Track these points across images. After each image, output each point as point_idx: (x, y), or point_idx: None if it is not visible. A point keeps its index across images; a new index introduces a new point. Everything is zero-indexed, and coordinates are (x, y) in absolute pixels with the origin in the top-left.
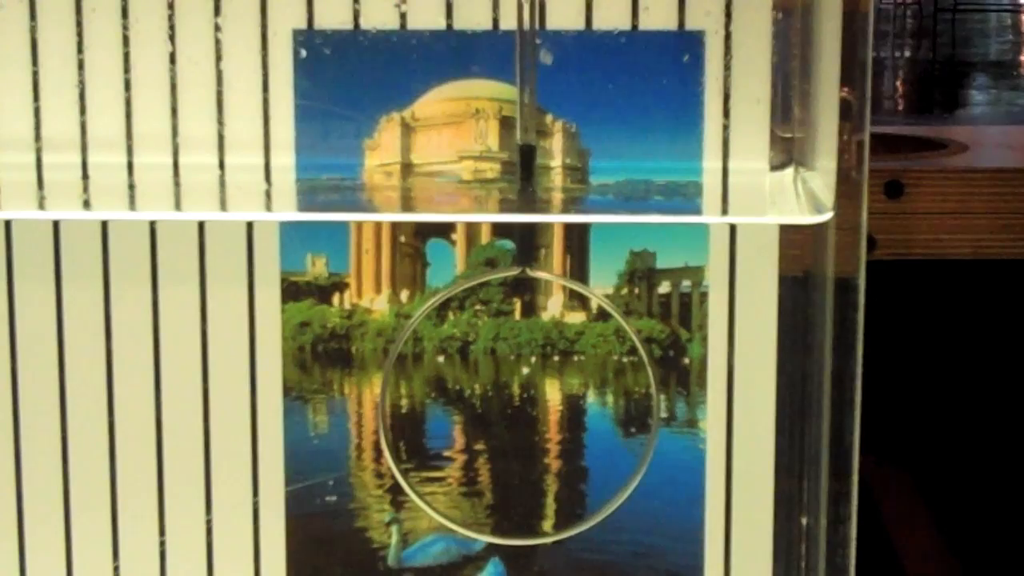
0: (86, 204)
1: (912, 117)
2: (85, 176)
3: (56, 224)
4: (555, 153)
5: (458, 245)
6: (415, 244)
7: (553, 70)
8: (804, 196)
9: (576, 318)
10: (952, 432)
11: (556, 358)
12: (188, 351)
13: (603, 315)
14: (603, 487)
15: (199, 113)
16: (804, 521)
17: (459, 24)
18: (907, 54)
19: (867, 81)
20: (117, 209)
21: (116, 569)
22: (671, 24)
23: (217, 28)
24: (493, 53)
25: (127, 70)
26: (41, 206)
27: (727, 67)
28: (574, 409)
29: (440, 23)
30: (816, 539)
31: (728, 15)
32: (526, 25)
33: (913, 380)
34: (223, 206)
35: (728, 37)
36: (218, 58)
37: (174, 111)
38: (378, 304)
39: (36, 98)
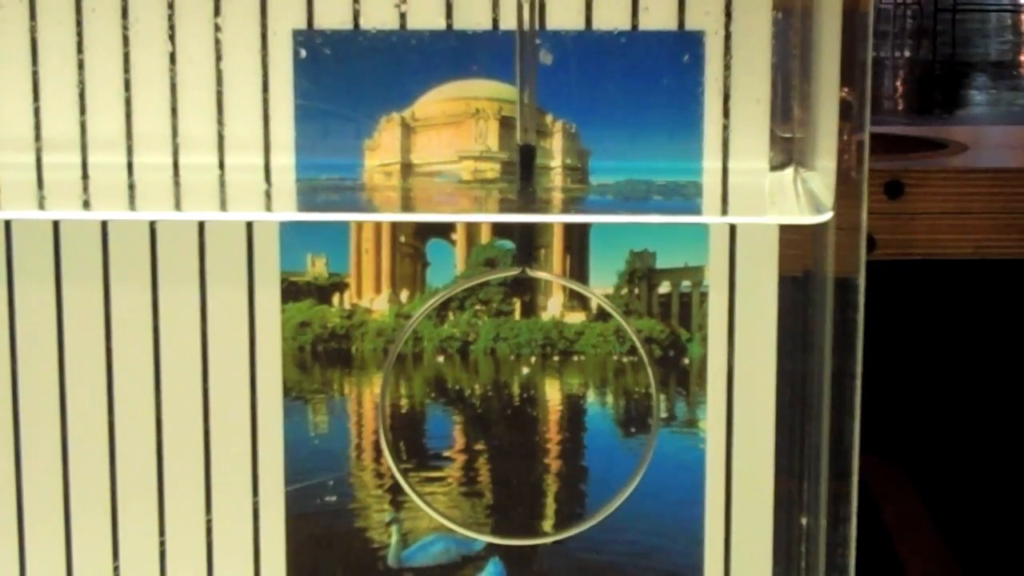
0: (86, 204)
1: (912, 117)
2: (85, 176)
3: (56, 224)
4: (555, 153)
5: (458, 245)
6: (415, 244)
7: (553, 70)
8: (804, 196)
9: (576, 318)
10: (952, 432)
11: (556, 358)
12: (188, 351)
13: (603, 315)
14: (603, 487)
15: (199, 113)
16: (804, 521)
17: (459, 24)
18: (907, 54)
19: (867, 81)
20: (117, 209)
21: (116, 569)
22: (671, 24)
23: (217, 28)
24: (493, 53)
25: (127, 70)
26: (41, 206)
27: (727, 67)
28: (574, 409)
29: (440, 23)
30: (816, 539)
31: (728, 15)
32: (526, 25)
33: (913, 380)
34: (223, 206)
35: (728, 37)
36: (218, 58)
37: (174, 111)
38: (378, 304)
39: (36, 98)
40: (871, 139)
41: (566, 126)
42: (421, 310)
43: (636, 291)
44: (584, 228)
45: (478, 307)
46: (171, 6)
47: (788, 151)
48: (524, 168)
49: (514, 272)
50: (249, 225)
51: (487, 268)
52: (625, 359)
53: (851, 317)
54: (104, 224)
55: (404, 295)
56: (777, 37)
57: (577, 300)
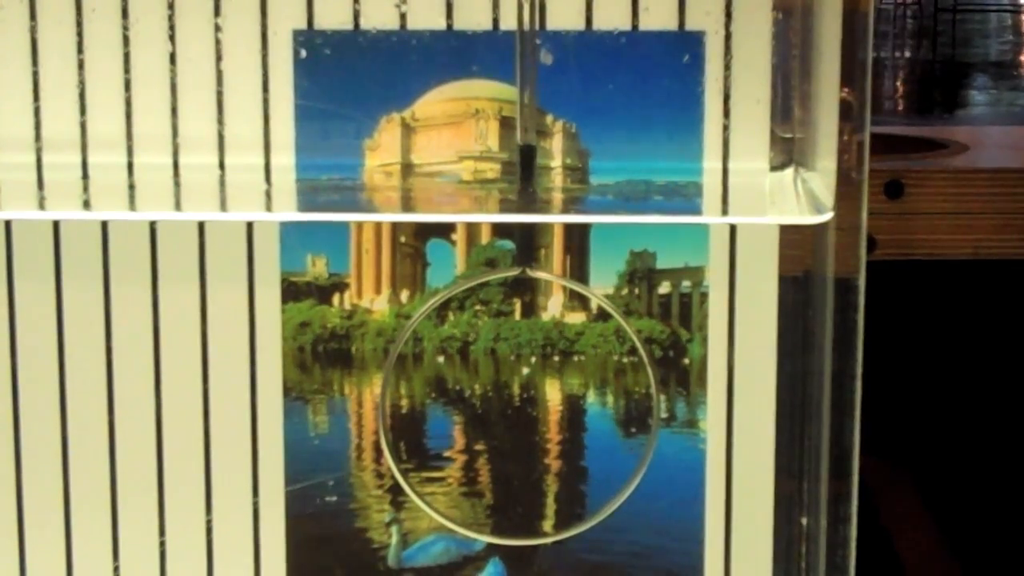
0: (86, 204)
1: (912, 117)
2: (85, 176)
3: (56, 224)
4: (555, 153)
5: (458, 245)
6: (415, 244)
7: (553, 70)
8: (804, 196)
9: (576, 318)
10: (952, 432)
11: (556, 358)
12: (188, 351)
13: (603, 315)
14: (603, 487)
15: (199, 113)
16: (804, 521)
17: (459, 24)
18: (907, 54)
19: (867, 81)
20: (117, 209)
21: (116, 569)
22: (671, 24)
23: (217, 28)
24: (493, 53)
25: (127, 70)
26: (41, 206)
27: (727, 67)
28: (574, 409)
29: (440, 23)
30: (816, 539)
31: (728, 15)
32: (526, 25)
33: (913, 380)
34: (223, 206)
35: (728, 37)
36: (218, 58)
37: (174, 111)
38: (378, 304)
39: (36, 98)
40: (871, 139)
41: (566, 126)
42: (421, 310)
43: (636, 291)
44: (584, 228)
45: (478, 307)
46: (171, 6)
47: (788, 151)
48: (524, 168)
49: (514, 272)
50: (249, 225)
51: (487, 268)
52: (625, 359)
53: (851, 317)
54: (104, 224)
55: (404, 295)
56: (777, 37)
57: (577, 300)
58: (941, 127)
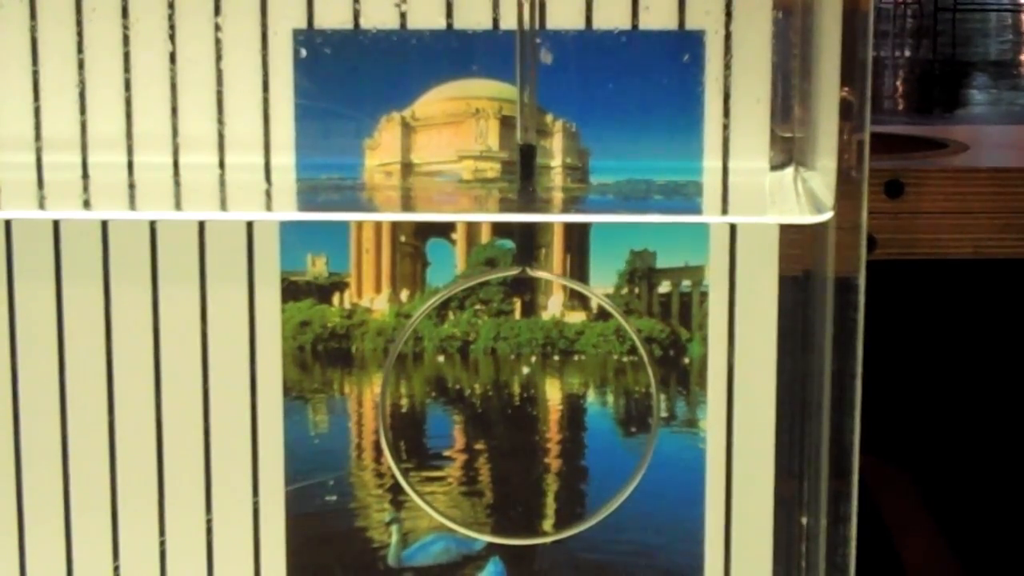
0: (86, 204)
1: (912, 116)
2: (85, 176)
3: (56, 224)
4: (555, 153)
5: (458, 245)
6: (415, 244)
7: (553, 69)
8: (804, 195)
9: (576, 318)
10: (953, 432)
11: (556, 357)
12: (188, 351)
13: (603, 315)
14: (603, 487)
15: (199, 113)
16: (804, 521)
17: (459, 24)
18: (907, 54)
19: (867, 80)
20: (117, 209)
21: (116, 569)
22: (671, 24)
23: (217, 28)
24: (493, 53)
25: (127, 70)
26: (41, 206)
27: (727, 67)
28: (574, 408)
29: (440, 23)
30: (816, 539)
31: (728, 15)
32: (526, 25)
33: (913, 380)
34: (223, 206)
35: (728, 37)
36: (218, 58)
37: (174, 111)
38: (378, 304)
39: (36, 98)
40: (871, 138)
41: (566, 125)
42: (421, 309)
43: (636, 291)
44: (584, 228)
45: (478, 307)
46: (171, 6)
47: (788, 150)
48: (524, 167)
49: (514, 272)
50: (249, 225)
51: (487, 268)
52: (625, 359)
53: (851, 317)
54: (104, 224)
55: (404, 294)
56: (777, 36)
57: (577, 300)
58: (941, 126)
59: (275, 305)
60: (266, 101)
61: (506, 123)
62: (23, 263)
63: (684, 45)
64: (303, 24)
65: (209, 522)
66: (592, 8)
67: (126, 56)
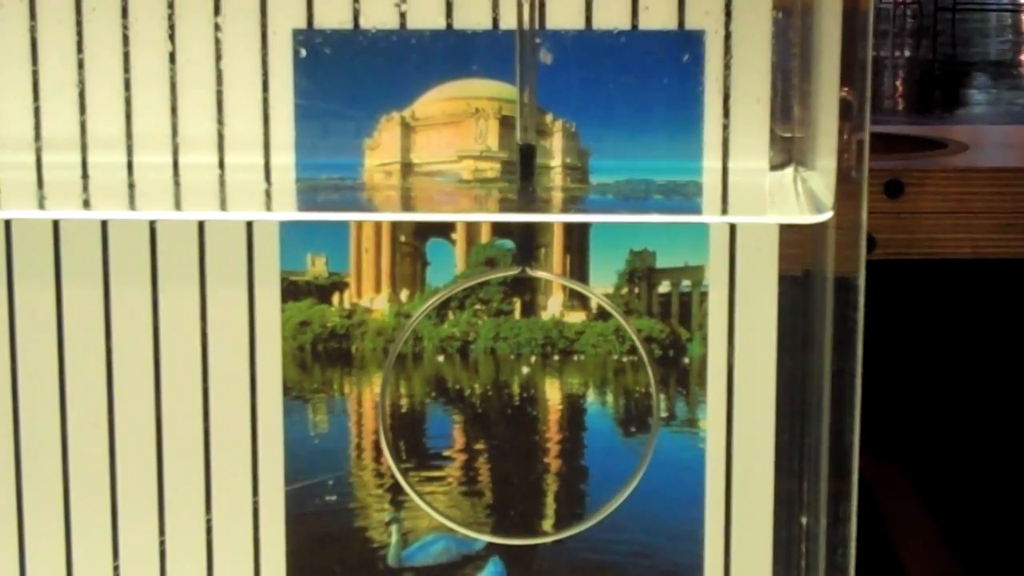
0: (86, 204)
1: (912, 116)
2: (85, 176)
3: (56, 224)
4: (555, 152)
5: (458, 244)
6: (415, 244)
7: (553, 69)
8: (804, 195)
9: (576, 317)
10: (952, 432)
11: (556, 357)
12: (188, 351)
13: (603, 314)
14: (603, 486)
15: (199, 113)
16: (804, 520)
17: (459, 24)
18: (907, 53)
19: (867, 80)
20: (117, 209)
21: (116, 569)
22: (671, 24)
23: (217, 28)
24: (493, 53)
25: (127, 69)
26: (41, 206)
27: (727, 66)
28: (574, 408)
29: (440, 23)
30: (816, 538)
31: (728, 14)
32: (526, 24)
33: (913, 380)
34: (223, 206)
35: (728, 37)
36: (218, 58)
37: (174, 111)
38: (378, 303)
39: (36, 98)
40: (871, 138)
41: (566, 125)
42: (421, 309)
43: (636, 290)
44: (584, 227)
45: (478, 307)
46: (171, 6)
47: (788, 150)
48: (524, 167)
49: (514, 271)
50: (249, 224)
51: (487, 267)
52: (625, 358)
53: (851, 316)
54: (104, 224)
55: (404, 294)
56: (777, 36)
57: (577, 299)
58: (941, 126)
59: (275, 305)
60: (266, 101)
61: (506, 123)
62: (23, 263)
63: (684, 45)
64: (303, 24)
65: (209, 522)
66: (592, 8)
67: (126, 56)
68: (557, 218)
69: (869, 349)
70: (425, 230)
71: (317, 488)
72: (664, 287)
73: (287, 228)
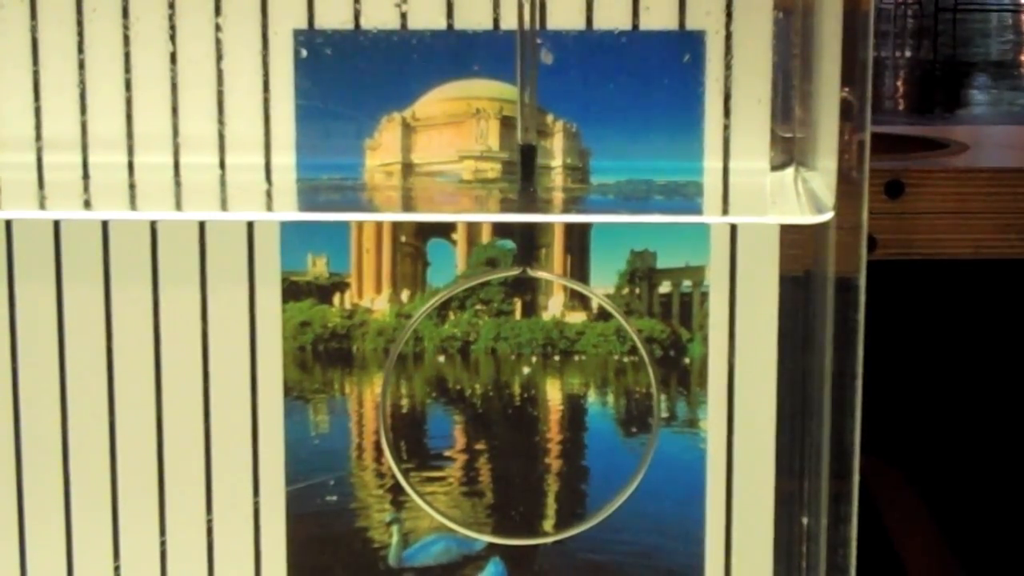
0: (87, 204)
1: (913, 117)
2: (86, 176)
3: (57, 224)
4: (556, 153)
5: (459, 245)
6: (416, 244)
7: (554, 70)
8: (805, 196)
9: (577, 318)
10: (953, 432)
11: (557, 358)
12: (189, 351)
13: (604, 315)
14: (604, 487)
15: (200, 113)
16: (805, 521)
17: (460, 24)
18: (908, 54)
19: (868, 81)
20: (118, 209)
21: (117, 569)
22: (672, 24)
23: (218, 28)
24: (494, 53)
25: (128, 70)
26: (42, 206)
27: (728, 67)
28: (575, 409)
29: (441, 23)
30: (817, 539)
31: (729, 15)
32: (527, 25)
33: (914, 380)
34: (224, 206)
35: (729, 37)
36: (219, 58)
37: (175, 111)
38: (379, 304)
39: (37, 98)
40: (872, 139)
41: (567, 126)
42: (422, 310)
43: (637, 291)
44: (585, 228)
45: (479, 307)
46: (172, 6)
47: (789, 151)
48: (525, 168)
49: (515, 272)
50: (250, 225)
51: (488, 268)
52: (626, 359)
53: (852, 317)
54: (105, 224)
55: (405, 295)
56: (778, 37)
57: (578, 300)
58: (942, 127)
59: (276, 305)
60: (267, 101)
61: (507, 123)
62: (24, 263)
63: (685, 45)
64: (304, 24)
65: (210, 522)
66: (592, 8)
67: (127, 56)
68: (558, 218)
69: (870, 349)
70: (426, 230)
71: (318, 488)
72: (665, 287)
73: (288, 228)
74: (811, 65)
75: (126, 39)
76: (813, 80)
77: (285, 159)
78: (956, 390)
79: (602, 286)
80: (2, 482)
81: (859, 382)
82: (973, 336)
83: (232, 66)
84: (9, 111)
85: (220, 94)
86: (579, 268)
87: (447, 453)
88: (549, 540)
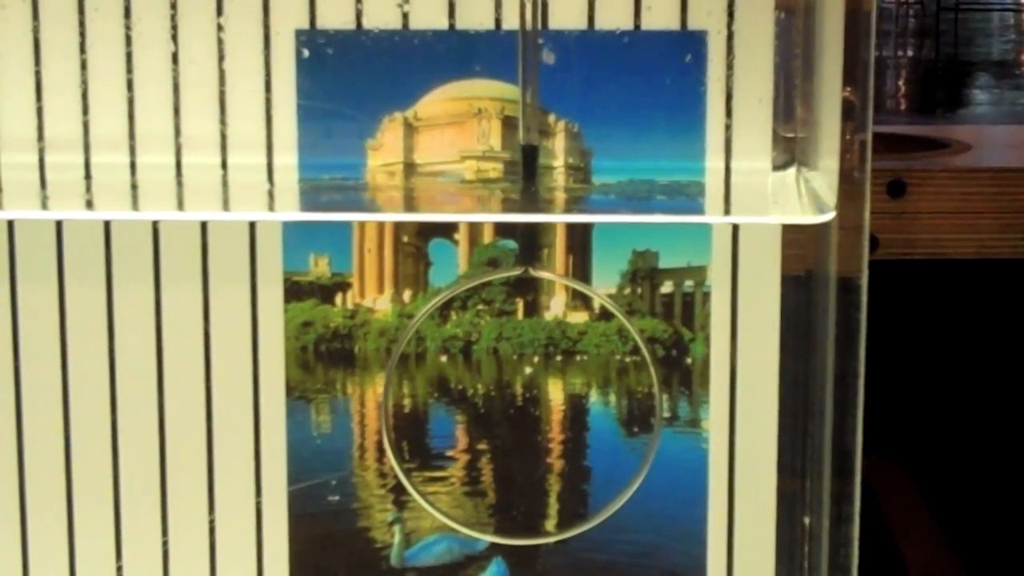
0: (89, 204)
1: (914, 116)
2: (88, 176)
3: (59, 224)
4: (557, 153)
5: (461, 245)
6: (418, 244)
7: (555, 70)
8: (806, 196)
9: (579, 318)
10: (955, 432)
11: (559, 358)
12: (191, 351)
13: (606, 315)
14: (606, 487)
15: (202, 113)
16: (807, 520)
17: (461, 24)
18: (909, 53)
19: (869, 80)
20: (120, 209)
21: (119, 569)
22: (673, 24)
23: (219, 28)
24: (495, 53)
25: (130, 70)
26: (44, 206)
27: (729, 67)
28: (577, 409)
29: (443, 23)
30: (819, 538)
31: (730, 15)
32: (528, 25)
33: (916, 380)
34: (226, 206)
35: (730, 37)
36: (220, 58)
37: (176, 111)
38: (381, 304)
39: (39, 98)
40: (874, 138)
41: (569, 126)
42: (424, 310)
43: (639, 291)
44: (587, 228)
45: (481, 307)
46: (174, 6)
47: (791, 151)
48: (527, 168)
49: (517, 272)
50: (252, 225)
51: (490, 268)
52: (628, 359)
53: (853, 317)
54: (107, 224)
55: (407, 295)
56: (780, 37)
57: (580, 300)
58: (943, 126)
59: (278, 305)
60: (268, 101)
61: (508, 123)
62: (26, 263)
63: (686, 45)
64: (305, 24)
65: (212, 522)
66: (594, 8)
67: (128, 56)
68: (560, 218)
69: (871, 349)
70: (428, 230)
71: (320, 488)
72: (667, 287)
73: (290, 228)
74: (813, 65)
75: (128, 39)
76: (815, 80)
77: (287, 159)
78: (958, 390)
79: (604, 286)
80: (4, 482)
81: (861, 382)
82: (975, 336)
83: (234, 66)
84: (11, 111)
85: (222, 94)
86: (581, 268)
87: (449, 453)
88: (551, 540)
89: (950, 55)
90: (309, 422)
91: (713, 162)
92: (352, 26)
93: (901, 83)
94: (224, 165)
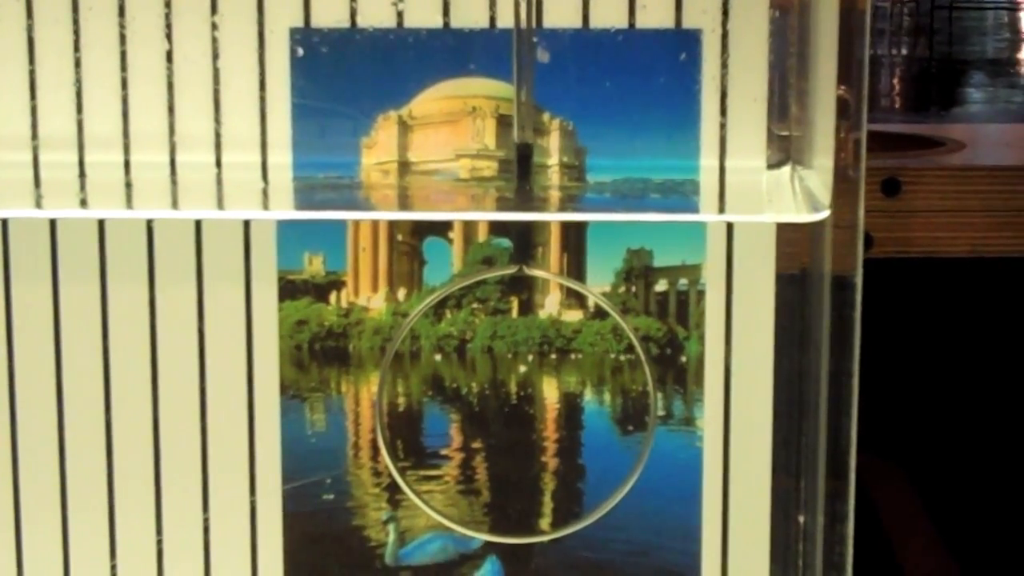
0: (83, 203)
1: (909, 115)
2: (82, 174)
3: (53, 223)
4: (552, 151)
5: (455, 243)
6: (412, 242)
7: (550, 68)
8: (801, 194)
9: (573, 316)
10: (950, 430)
11: (553, 356)
12: (185, 350)
13: (600, 313)
14: (600, 485)
15: (196, 111)
16: (801, 519)
17: (456, 22)
18: (904, 52)
19: (864, 79)
20: (114, 207)
21: (113, 568)
22: (668, 22)
23: (214, 26)
24: (490, 51)
25: (124, 68)
26: (38, 204)
27: (724, 65)
28: (571, 407)
29: (437, 21)
30: (813, 537)
31: (725, 13)
32: (523, 23)
33: (910, 379)
34: (220, 204)
35: (725, 35)
36: (215, 56)
37: (171, 109)
38: (375, 302)
39: (33, 96)
40: (868, 137)
41: (563, 124)
42: (418, 308)
43: (633, 289)
44: (581, 226)
45: (475, 305)
46: (168, 5)
47: (785, 149)
48: (521, 166)
49: (511, 270)
50: (246, 223)
51: (484, 266)
52: (622, 357)
53: (848, 315)
54: (101, 222)
55: (401, 293)
56: (774, 35)
57: (574, 298)
58: (938, 125)
59: (272, 304)
60: (263, 100)
61: (503, 122)
62: (20, 262)
63: (681, 44)
64: (300, 23)
65: (206, 521)
66: (589, 7)
67: (123, 55)
68: (554, 217)
69: (866, 348)
70: (422, 229)
71: (314, 487)
72: (661, 286)
73: (284, 227)
74: (807, 63)
75: (122, 38)
76: (809, 78)
77: (281, 157)
78: (953, 388)
79: (598, 284)
80: None
81: (855, 380)
82: (970, 334)
83: (228, 64)
84: (5, 109)
85: (216, 92)
86: (575, 266)
87: (443, 451)
88: (546, 538)
89: (944, 53)
90: (303, 421)
91: (708, 160)
92: (346, 24)
93: (896, 81)
94: (218, 163)
